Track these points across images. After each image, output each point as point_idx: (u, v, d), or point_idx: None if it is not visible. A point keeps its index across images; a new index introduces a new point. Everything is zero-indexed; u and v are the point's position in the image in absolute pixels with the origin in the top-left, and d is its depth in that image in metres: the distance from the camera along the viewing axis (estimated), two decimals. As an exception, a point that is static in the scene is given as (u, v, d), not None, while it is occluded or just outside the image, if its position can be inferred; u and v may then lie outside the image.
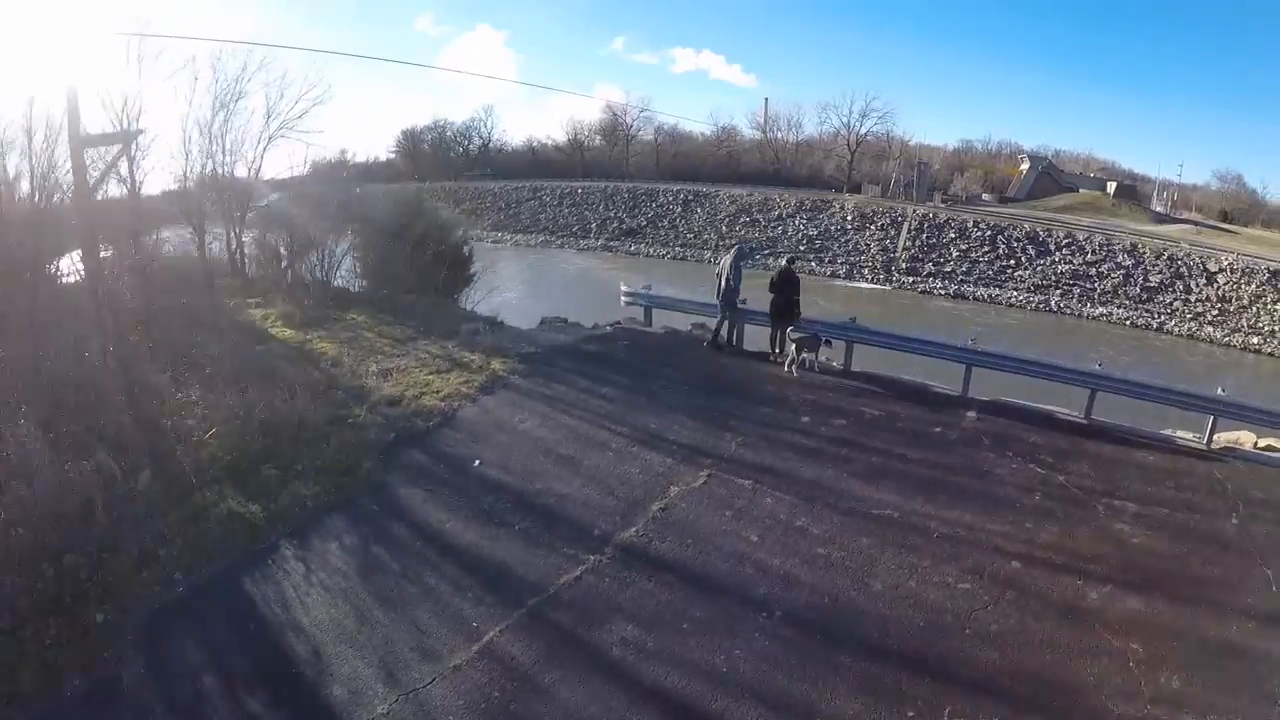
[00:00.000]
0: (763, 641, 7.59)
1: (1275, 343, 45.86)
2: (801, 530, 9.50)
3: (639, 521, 9.65)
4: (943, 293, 55.03)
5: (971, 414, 13.68)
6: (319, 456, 11.30)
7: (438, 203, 32.83)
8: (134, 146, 19.51)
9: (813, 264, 61.18)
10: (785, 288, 15.61)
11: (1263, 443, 13.37)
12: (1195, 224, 70.21)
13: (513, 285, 44.20)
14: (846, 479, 10.86)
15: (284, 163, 27.41)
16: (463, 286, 24.83)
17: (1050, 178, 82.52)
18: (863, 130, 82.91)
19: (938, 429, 12.94)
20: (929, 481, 10.94)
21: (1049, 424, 13.55)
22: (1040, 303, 52.56)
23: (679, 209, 73.62)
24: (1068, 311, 51.34)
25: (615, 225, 74.44)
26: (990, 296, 53.85)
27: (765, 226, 67.35)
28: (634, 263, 64.08)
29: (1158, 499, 10.83)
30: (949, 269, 57.31)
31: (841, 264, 60.85)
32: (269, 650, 7.72)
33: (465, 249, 25.49)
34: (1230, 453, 12.97)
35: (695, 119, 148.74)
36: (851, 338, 15.92)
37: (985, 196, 79.13)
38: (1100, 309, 51.15)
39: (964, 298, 54.07)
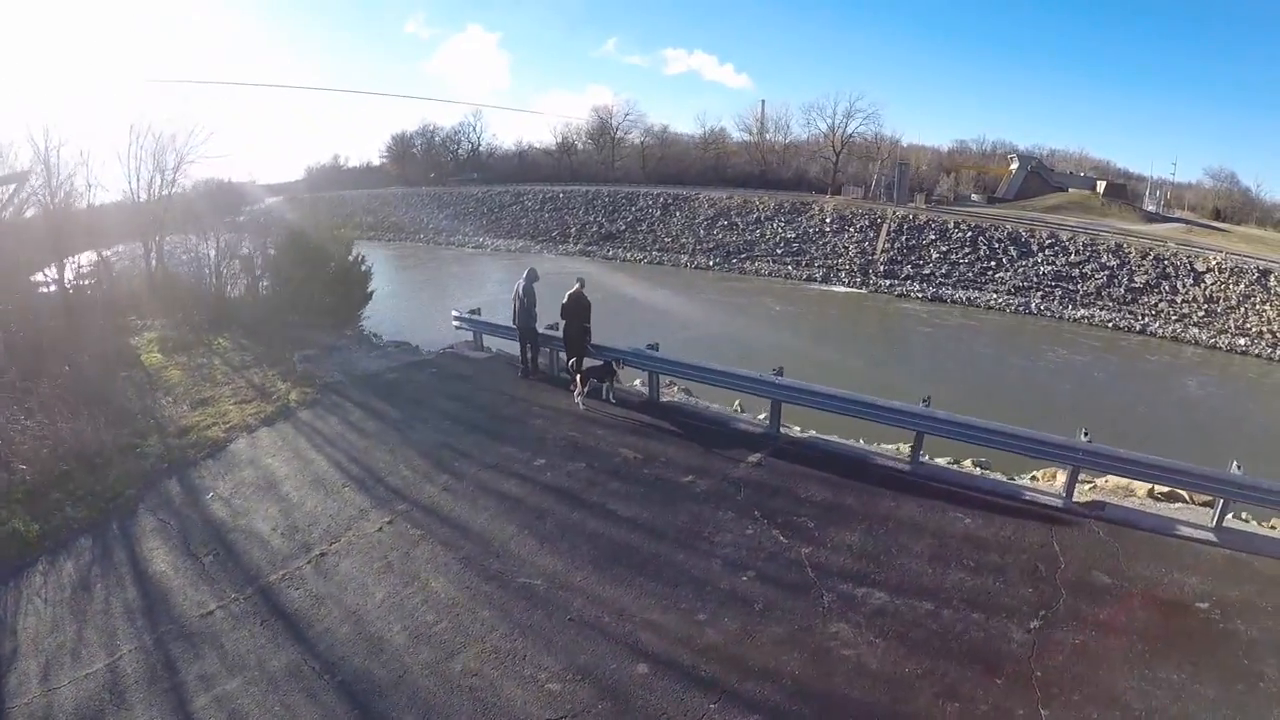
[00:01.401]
0: (307, 706, 7.34)
1: (1263, 344, 44.12)
2: (431, 592, 8.93)
3: (293, 565, 9.67)
4: (920, 295, 53.44)
5: (757, 457, 12.32)
6: (100, 483, 12.13)
7: (349, 220, 32.43)
8: (25, 186, 21.04)
9: (789, 268, 60.20)
10: (575, 313, 14.68)
11: (1163, 489, 11.46)
12: (1187, 223, 68.80)
13: (457, 294, 44.50)
14: (523, 537, 9.99)
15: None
16: (359, 305, 24.47)
17: (1039, 177, 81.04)
18: (848, 131, 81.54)
19: (690, 478, 11.56)
20: (619, 548, 9.71)
21: (854, 471, 12.01)
22: (1020, 305, 50.91)
23: (658, 213, 72.52)
24: (1048, 314, 49.71)
25: (595, 230, 73.34)
26: (969, 299, 52.23)
27: (743, 230, 66.01)
28: (607, 266, 63.15)
29: (931, 587, 8.98)
30: (928, 271, 55.73)
31: (819, 267, 59.41)
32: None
33: (362, 268, 24.77)
34: (1097, 510, 10.92)
35: (683, 121, 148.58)
36: (651, 366, 14.88)
37: (974, 197, 77.86)
38: (1082, 311, 49.46)
39: (941, 300, 52.48)
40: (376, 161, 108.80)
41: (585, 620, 8.24)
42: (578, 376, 14.33)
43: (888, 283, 55.58)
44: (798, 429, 14.30)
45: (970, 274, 54.52)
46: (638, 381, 16.27)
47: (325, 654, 7.91)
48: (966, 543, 10.00)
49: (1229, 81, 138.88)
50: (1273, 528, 11.27)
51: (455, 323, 18.74)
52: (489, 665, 7.58)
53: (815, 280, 57.75)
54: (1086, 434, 10.89)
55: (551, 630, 8.09)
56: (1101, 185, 79.68)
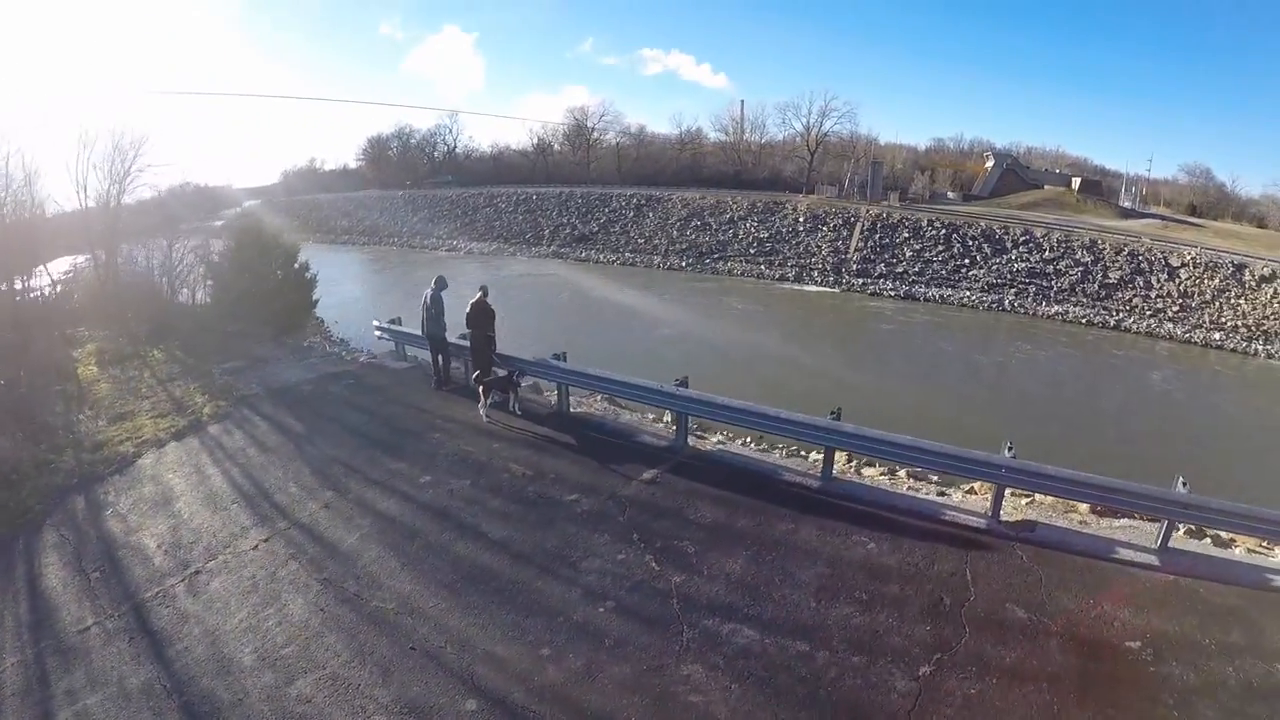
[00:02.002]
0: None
1: (1238, 338, 43.44)
2: (287, 615, 8.52)
3: (168, 583, 9.36)
4: (893, 294, 52.58)
5: (653, 473, 11.61)
6: (13, 499, 12.03)
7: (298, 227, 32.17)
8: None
9: (762, 267, 59.31)
10: (479, 322, 14.36)
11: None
12: (1162, 218, 68.53)
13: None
14: (387, 559, 9.53)
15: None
16: (304, 314, 24.04)
17: (1015, 174, 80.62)
18: (823, 130, 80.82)
19: (574, 496, 10.92)
20: (480, 572, 9.17)
21: (758, 489, 11.17)
22: (994, 302, 50.06)
23: (631, 214, 71.49)
24: (1022, 311, 48.88)
25: (568, 231, 72.18)
26: (942, 297, 51.40)
27: (716, 230, 64.98)
28: (579, 268, 62.33)
29: (810, 624, 8.11)
30: (901, 269, 54.89)
31: (791, 267, 58.44)
32: None
33: (306, 275, 24.32)
34: (1026, 531, 9.89)
35: (660, 122, 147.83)
36: (552, 376, 14.31)
37: (950, 195, 77.20)
38: (1056, 307, 48.67)
39: (914, 298, 51.62)
40: (353, 165, 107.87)
41: (427, 649, 7.75)
42: (480, 388, 13.88)
43: (861, 281, 54.68)
44: (716, 440, 13.30)
45: (944, 272, 53.71)
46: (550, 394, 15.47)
47: (179, 673, 7.72)
48: (863, 572, 9.02)
49: (1205, 79, 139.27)
50: (1226, 546, 10.24)
51: (376, 333, 18.54)
52: (323, 693, 7.22)
53: (788, 280, 56.77)
54: (1011, 448, 9.88)
55: (392, 659, 7.62)
56: (1077, 182, 79.41)
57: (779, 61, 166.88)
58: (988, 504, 10.33)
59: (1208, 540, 10.40)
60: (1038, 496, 10.94)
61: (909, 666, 7.41)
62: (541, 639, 7.77)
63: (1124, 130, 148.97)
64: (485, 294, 14.56)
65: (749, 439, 13.88)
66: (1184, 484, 9.25)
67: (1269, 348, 42.24)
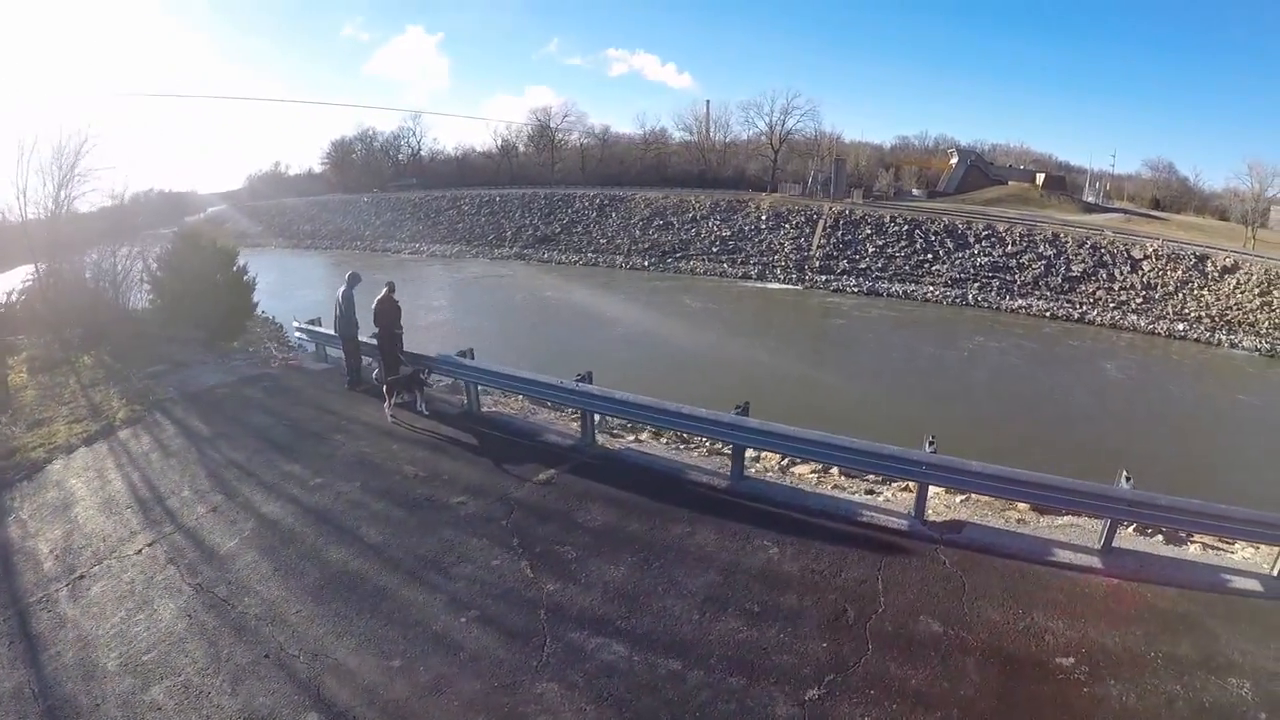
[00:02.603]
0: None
1: (1201, 328, 43.30)
2: (156, 620, 8.04)
3: (53, 588, 8.88)
4: (855, 290, 51.96)
5: (550, 473, 10.81)
6: None
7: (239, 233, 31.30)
8: None
9: (725, 266, 58.43)
10: (385, 319, 13.75)
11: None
12: (1126, 212, 68.70)
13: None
14: (261, 564, 8.92)
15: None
16: (243, 317, 23.21)
17: (979, 170, 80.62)
18: (786, 128, 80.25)
19: (462, 499, 10.20)
20: (350, 578, 8.53)
21: (661, 490, 10.28)
22: (957, 297, 49.49)
23: (594, 214, 70.47)
24: (985, 305, 48.41)
25: (530, 232, 70.97)
26: (905, 293, 50.83)
27: (679, 229, 64.07)
28: (541, 269, 61.42)
29: (690, 639, 7.23)
30: (864, 266, 54.24)
31: (754, 265, 57.62)
32: None
33: (244, 279, 23.31)
34: (952, 532, 8.75)
35: (624, 122, 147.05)
36: (458, 374, 13.67)
37: (915, 191, 76.89)
38: (1019, 301, 48.25)
39: (877, 294, 51.05)
40: (318, 168, 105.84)
41: (281, 658, 7.24)
42: (384, 387, 13.37)
43: (824, 278, 53.96)
44: (630, 440, 12.15)
45: (907, 267, 53.19)
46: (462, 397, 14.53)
47: (48, 678, 7.34)
48: (760, 580, 7.92)
49: (1168, 75, 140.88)
50: (1180, 543, 9.17)
51: (296, 333, 18.18)
52: (174, 701, 6.83)
53: (751, 278, 55.94)
54: (932, 442, 8.73)
55: (245, 667, 7.15)
56: (1041, 178, 79.61)
57: (743, 61, 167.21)
58: (911, 503, 9.16)
59: (1158, 538, 9.32)
60: (975, 494, 9.80)
61: (795, 689, 6.32)
62: (395, 650, 7.19)
63: (1088, 127, 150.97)
64: (391, 289, 13.84)
65: (666, 437, 12.79)
66: (1128, 478, 8.15)
67: (1232, 337, 42.02)
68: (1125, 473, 8.23)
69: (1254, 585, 8.16)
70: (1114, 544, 8.49)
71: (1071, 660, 6.63)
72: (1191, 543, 9.13)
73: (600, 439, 12.02)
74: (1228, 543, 9.01)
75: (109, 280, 23.36)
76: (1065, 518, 9.35)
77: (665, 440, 12.74)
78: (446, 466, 11.24)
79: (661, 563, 8.31)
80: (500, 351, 33.55)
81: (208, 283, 21.66)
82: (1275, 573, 8.33)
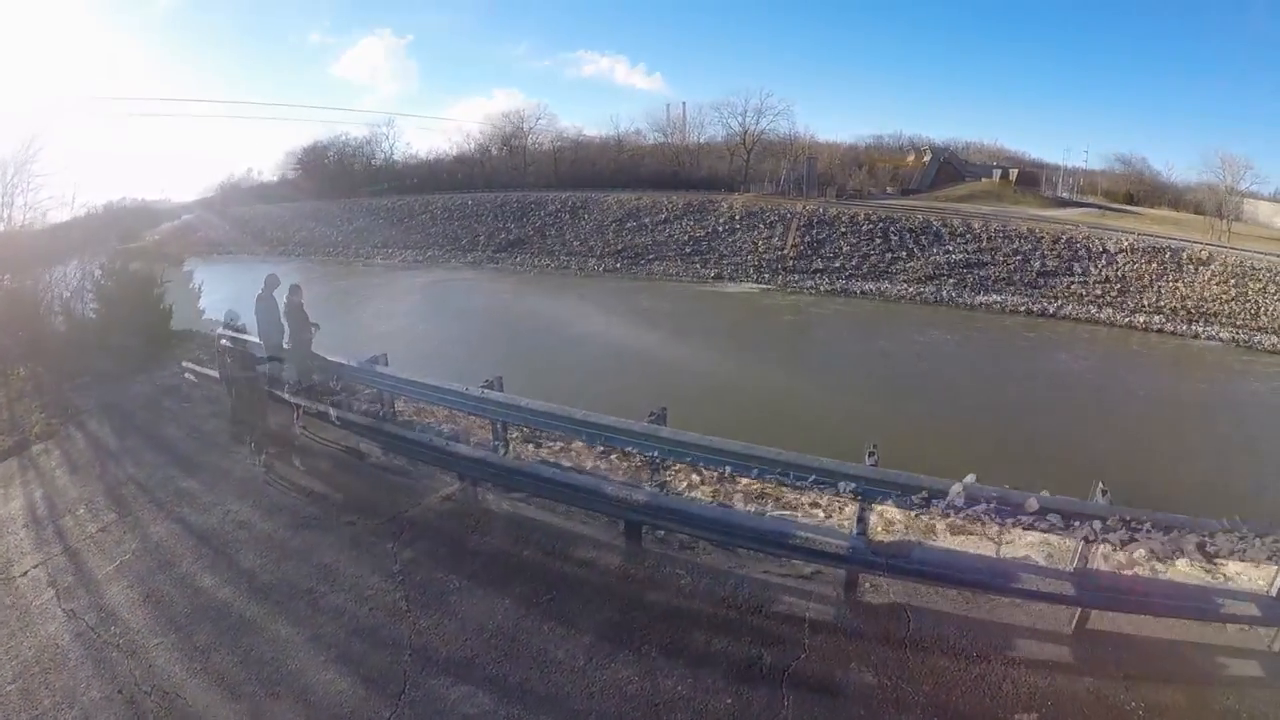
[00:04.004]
0: None
1: (1177, 321, 42.76)
2: (20, 651, 7.51)
3: None
4: (827, 289, 50.94)
5: (451, 490, 9.96)
6: None
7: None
8: None
9: (697, 267, 57.35)
10: (292, 325, 12.81)
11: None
12: (1099, 207, 68.51)
13: (338, 311, 40.87)
14: (133, 591, 8.28)
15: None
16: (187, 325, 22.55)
17: (951, 168, 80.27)
18: (759, 128, 79.45)
19: (353, 518, 9.36)
20: (217, 608, 7.81)
21: (578, 506, 9.00)
22: (930, 294, 48.70)
23: (566, 216, 69.13)
24: (959, 301, 47.44)
25: (502, 236, 69.56)
26: (878, 290, 49.95)
27: (651, 230, 62.88)
28: (507, 274, 59.90)
29: (571, 693, 6.21)
30: (838, 265, 53.39)
31: (726, 265, 56.61)
32: None
33: (191, 285, 23.92)
34: (900, 555, 7.24)
35: (596, 124, 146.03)
36: (367, 381, 12.47)
37: (888, 189, 76.17)
38: (994, 296, 47.55)
39: (850, 293, 50.13)
40: (290, 175, 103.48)
41: (133, 695, 6.64)
42: (293, 398, 12.63)
43: (796, 278, 53.02)
44: (549, 449, 10.99)
45: (880, 265, 52.37)
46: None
47: None
48: (663, 619, 6.86)
49: (1139, 69, 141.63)
50: (1164, 558, 8.00)
51: (222, 341, 16.24)
52: None
53: (723, 278, 54.91)
54: (873, 453, 7.53)
55: (97, 703, 6.57)
56: (1014, 174, 79.25)
57: (714, 61, 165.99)
58: (852, 522, 7.91)
59: (1141, 551, 8.14)
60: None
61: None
62: (245, 691, 6.49)
63: (1060, 124, 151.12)
64: (297, 293, 12.93)
65: (580, 450, 11.66)
66: (1104, 491, 7.00)
67: (1209, 329, 41.42)
68: (1101, 485, 7.08)
69: (1250, 609, 7.03)
70: (1089, 565, 7.31)
71: (1034, 717, 5.47)
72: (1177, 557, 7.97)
73: (516, 449, 10.93)
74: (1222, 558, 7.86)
75: (56, 292, 22.61)
76: (1032, 535, 8.20)
77: (581, 451, 11.62)
78: (344, 481, 10.59)
79: (553, 596, 7.26)
80: (446, 355, 32.74)
81: (151, 291, 21.26)
82: (1275, 593, 7.22)
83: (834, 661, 6.17)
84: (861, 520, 7.52)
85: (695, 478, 10.62)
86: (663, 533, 8.43)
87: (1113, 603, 6.98)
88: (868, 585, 7.24)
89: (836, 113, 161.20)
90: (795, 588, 7.28)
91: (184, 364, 16.88)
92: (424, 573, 7.87)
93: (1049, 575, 7.26)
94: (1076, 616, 7.17)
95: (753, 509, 9.10)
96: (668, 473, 9.98)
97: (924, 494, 7.17)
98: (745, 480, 10.16)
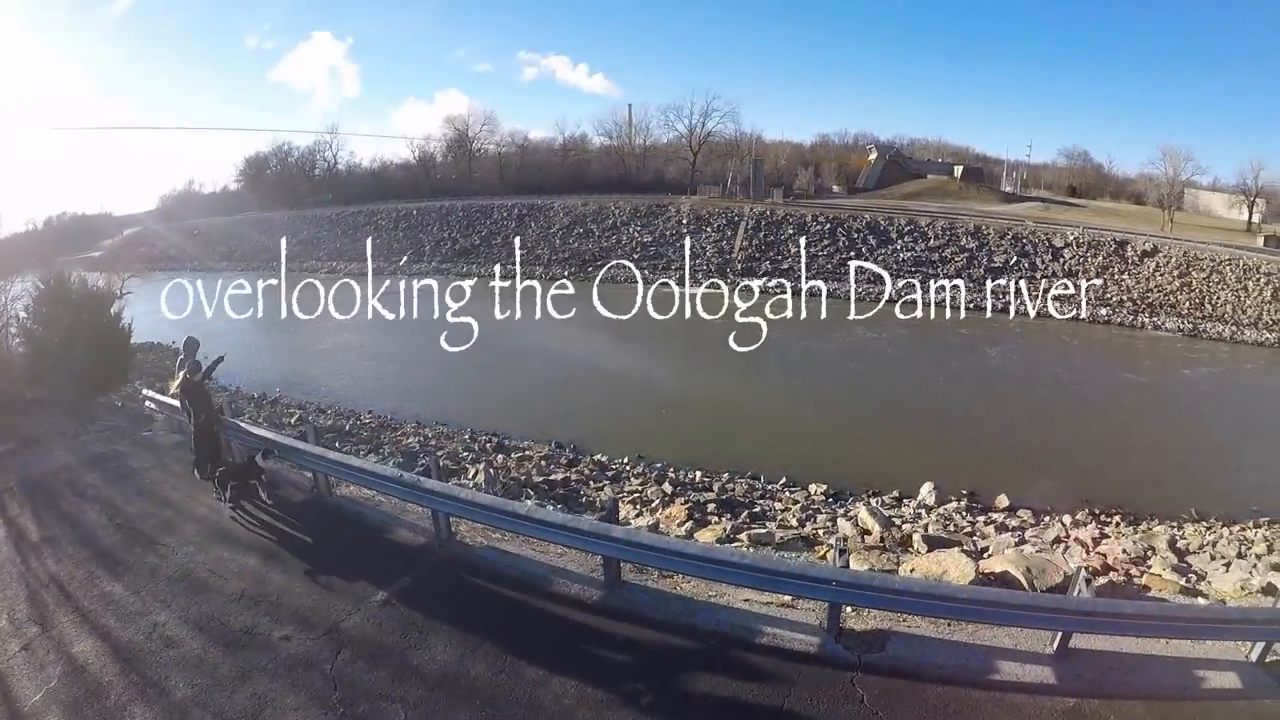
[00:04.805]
0: None
1: (1124, 312, 43.53)
2: None
3: None
4: (776, 290, 50.53)
5: (394, 589, 8.87)
6: None
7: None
8: None
9: (646, 272, 56.43)
10: (195, 405, 11.69)
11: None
12: (1044, 200, 69.48)
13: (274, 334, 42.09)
14: None
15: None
16: (121, 367, 20.93)
17: (898, 165, 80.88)
18: (706, 130, 79.17)
19: (287, 631, 8.34)
20: None
21: (518, 609, 8.43)
22: (880, 293, 48.40)
23: (513, 224, 67.94)
24: (909, 299, 47.35)
25: (449, 246, 68.18)
26: (830, 291, 49.84)
27: (599, 237, 62.18)
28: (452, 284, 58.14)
29: None
30: (787, 266, 53.18)
31: (676, 269, 55.95)
32: None
33: (120, 325, 20.75)
34: (874, 649, 6.93)
35: (542, 127, 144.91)
36: (297, 461, 11.58)
37: (835, 188, 76.41)
38: (946, 294, 47.34)
39: (798, 294, 49.55)
40: (233, 186, 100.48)
41: None
42: (215, 481, 11.36)
43: (746, 281, 52.52)
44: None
45: (830, 265, 52.39)
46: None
47: None
48: None
49: (1079, 63, 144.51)
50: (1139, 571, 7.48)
51: (148, 404, 15.76)
52: None
53: (672, 283, 54.16)
54: (843, 552, 6.86)
55: None
56: (959, 170, 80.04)
57: (660, 63, 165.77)
58: (823, 616, 7.22)
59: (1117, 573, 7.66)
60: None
61: None
62: None
63: (1003, 118, 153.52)
64: (197, 370, 11.77)
65: None
66: (1088, 580, 6.43)
67: (1155, 319, 41.93)
68: (1085, 575, 6.48)
69: (1233, 681, 6.69)
70: (1070, 646, 6.71)
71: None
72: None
73: (460, 532, 9.95)
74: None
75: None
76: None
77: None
78: (277, 582, 9.37)
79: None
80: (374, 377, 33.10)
81: (80, 329, 19.17)
82: (1255, 659, 6.74)
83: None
84: (833, 616, 6.84)
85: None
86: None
87: (1096, 687, 6.40)
88: (840, 687, 6.53)
89: (785, 112, 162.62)
90: (763, 692, 6.53)
91: (144, 393, 15.76)
92: (365, 701, 6.96)
93: (1029, 660, 6.67)
94: (1058, 638, 6.79)
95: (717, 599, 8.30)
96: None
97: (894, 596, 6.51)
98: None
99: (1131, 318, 42.77)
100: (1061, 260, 48.37)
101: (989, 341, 38.75)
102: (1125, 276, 45.74)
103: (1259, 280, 43.01)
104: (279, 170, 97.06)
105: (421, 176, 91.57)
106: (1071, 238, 49.64)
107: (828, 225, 55.57)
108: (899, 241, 52.77)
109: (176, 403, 12.39)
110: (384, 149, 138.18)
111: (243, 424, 12.41)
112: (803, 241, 54.42)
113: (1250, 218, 61.84)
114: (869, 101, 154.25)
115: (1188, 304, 42.77)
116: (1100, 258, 47.60)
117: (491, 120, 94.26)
